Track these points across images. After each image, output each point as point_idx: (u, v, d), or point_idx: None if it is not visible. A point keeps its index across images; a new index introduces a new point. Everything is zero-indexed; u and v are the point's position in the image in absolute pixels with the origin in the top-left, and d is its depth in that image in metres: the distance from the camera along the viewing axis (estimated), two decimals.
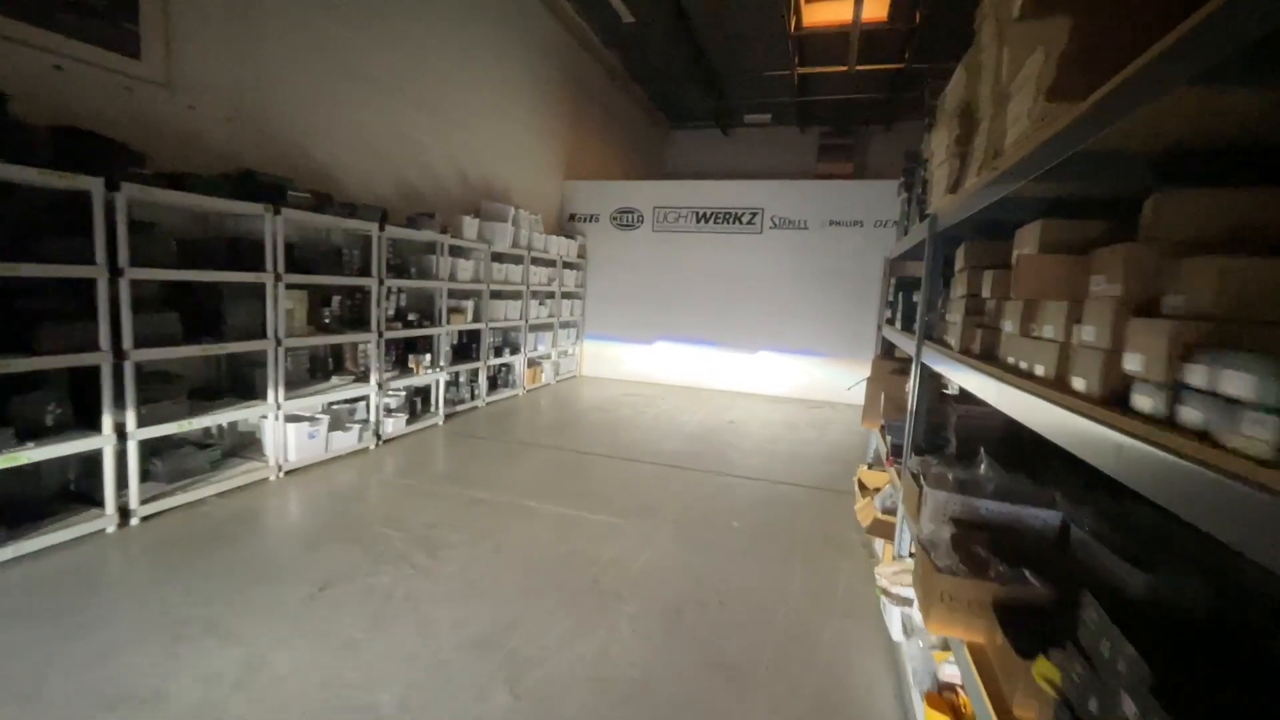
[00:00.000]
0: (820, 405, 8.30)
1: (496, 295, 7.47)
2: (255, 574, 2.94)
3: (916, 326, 2.77)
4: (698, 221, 9.05)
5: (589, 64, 10.11)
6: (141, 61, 3.80)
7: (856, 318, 8.40)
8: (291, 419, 4.40)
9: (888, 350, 4.69)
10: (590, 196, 9.60)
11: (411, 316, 5.83)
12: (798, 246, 8.62)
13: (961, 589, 1.52)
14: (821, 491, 4.67)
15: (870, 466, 4.47)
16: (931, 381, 2.74)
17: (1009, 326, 1.59)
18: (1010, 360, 1.57)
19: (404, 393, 5.75)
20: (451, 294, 6.70)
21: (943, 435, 2.88)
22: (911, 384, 2.76)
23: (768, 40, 8.92)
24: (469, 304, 6.67)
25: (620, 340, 9.61)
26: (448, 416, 6.32)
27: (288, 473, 4.34)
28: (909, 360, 4.02)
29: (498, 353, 7.47)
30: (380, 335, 5.15)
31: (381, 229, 5.06)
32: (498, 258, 7.52)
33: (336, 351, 5.32)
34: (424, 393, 6.21)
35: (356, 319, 5.17)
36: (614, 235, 9.49)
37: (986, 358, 1.87)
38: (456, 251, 6.60)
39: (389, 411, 5.50)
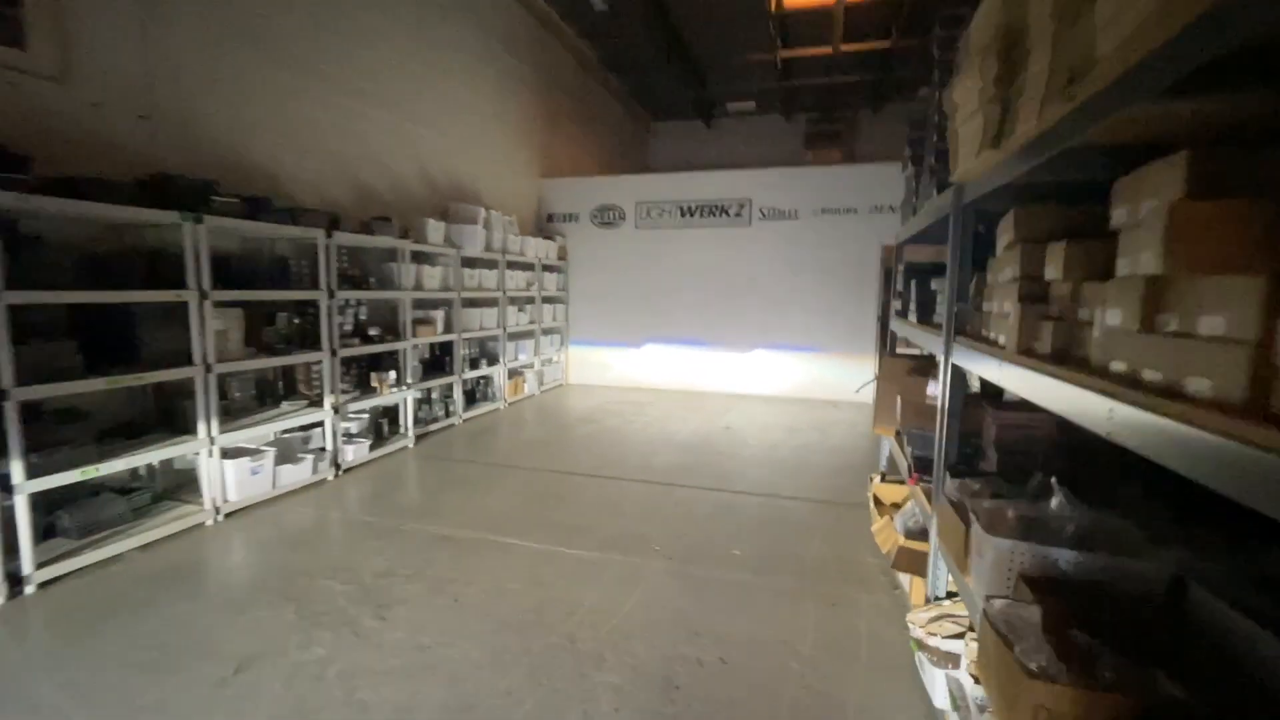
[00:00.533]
0: (821, 404, 7.83)
1: (470, 303, 6.97)
2: (159, 653, 2.43)
3: (943, 319, 2.29)
4: (683, 216, 8.57)
5: (561, 55, 9.62)
6: (26, 51, 3.28)
7: (854, 310, 7.95)
8: (230, 453, 3.89)
9: (897, 345, 4.22)
10: (568, 195, 9.11)
11: (373, 331, 5.32)
12: (789, 237, 8.16)
13: (1070, 704, 1.04)
14: (830, 507, 4.20)
15: (884, 477, 4.00)
16: (962, 384, 2.26)
17: (1113, 319, 1.11)
18: (1119, 367, 1.09)
19: (367, 415, 5.25)
20: (418, 304, 6.20)
21: (973, 443, 2.41)
22: (941, 389, 2.29)
23: (748, 21, 8.45)
24: (439, 314, 6.16)
25: (607, 345, 9.12)
26: (419, 438, 5.81)
27: (228, 515, 3.83)
28: (929, 359, 3.56)
29: (474, 365, 6.97)
30: (334, 353, 4.64)
31: (329, 235, 4.55)
32: (471, 263, 7.02)
33: (288, 374, 4.82)
34: (392, 413, 5.70)
35: (307, 337, 4.66)
36: (595, 234, 9.00)
37: (1060, 359, 1.39)
38: (422, 258, 6.10)
39: (349, 437, 5.00)
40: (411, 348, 5.62)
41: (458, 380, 6.52)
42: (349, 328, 5.11)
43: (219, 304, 3.77)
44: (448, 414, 6.43)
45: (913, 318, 3.17)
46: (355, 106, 5.64)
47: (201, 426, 3.67)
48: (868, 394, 7.70)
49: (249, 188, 4.33)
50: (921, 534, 2.86)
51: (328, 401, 4.59)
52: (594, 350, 9.19)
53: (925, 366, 3.25)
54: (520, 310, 7.90)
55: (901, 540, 2.86)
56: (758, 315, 8.37)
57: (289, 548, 3.47)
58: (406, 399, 5.58)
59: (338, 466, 4.71)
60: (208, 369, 3.65)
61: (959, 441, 2.28)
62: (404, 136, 6.33)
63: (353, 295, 4.96)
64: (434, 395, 6.31)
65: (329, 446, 4.62)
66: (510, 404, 7.59)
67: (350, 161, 5.63)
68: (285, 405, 4.56)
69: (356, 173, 5.72)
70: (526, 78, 8.62)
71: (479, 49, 7.52)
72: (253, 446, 4.12)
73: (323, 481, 4.56)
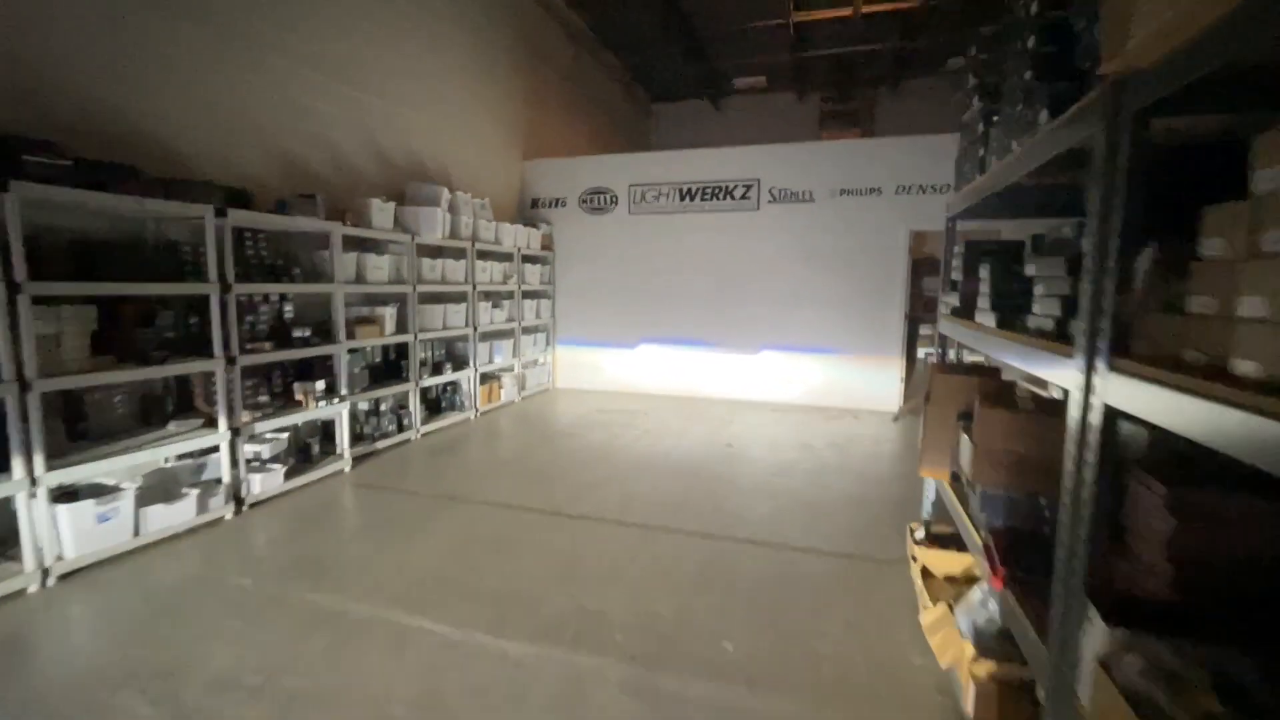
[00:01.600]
0: (839, 414, 6.82)
1: (432, 298, 6.05)
2: None
3: (1081, 329, 1.31)
4: (681, 199, 7.57)
5: (548, 25, 8.65)
6: None
7: (877, 306, 6.92)
8: (65, 495, 2.99)
9: (945, 351, 3.22)
10: (554, 177, 8.14)
11: (300, 332, 4.40)
12: (802, 223, 7.13)
13: None
14: (856, 564, 3.21)
15: (929, 529, 3.02)
16: (1114, 441, 1.28)
17: None
18: None
19: (286, 436, 4.33)
20: (365, 299, 5.30)
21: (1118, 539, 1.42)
22: (1074, 447, 1.30)
23: None
24: (387, 311, 5.23)
25: (598, 345, 8.16)
26: (360, 459, 4.90)
27: (63, 577, 2.93)
28: (1005, 380, 2.56)
29: (437, 369, 6.04)
30: (231, 361, 3.73)
31: (221, 215, 3.62)
32: (436, 252, 6.10)
33: (184, 387, 3.91)
34: (330, 430, 4.79)
35: (201, 340, 3.74)
36: (584, 221, 8.03)
37: None
38: (366, 245, 5.18)
39: (260, 463, 4.08)
40: (347, 352, 4.69)
41: (414, 388, 5.59)
42: (264, 328, 4.20)
43: (43, 300, 2.86)
44: (401, 428, 5.51)
45: (985, 318, 2.17)
46: (294, 71, 4.71)
47: (18, 463, 2.76)
48: (884, 393, 6.65)
49: (130, 156, 3.42)
50: (1005, 645, 1.89)
51: (223, 421, 3.67)
52: (584, 351, 8.24)
53: (1007, 392, 2.26)
54: (496, 307, 6.96)
55: (973, 660, 1.88)
56: (766, 312, 7.36)
57: (115, 630, 2.55)
58: (342, 413, 4.66)
59: (239, 502, 3.80)
60: (22, 386, 2.74)
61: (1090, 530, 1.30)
62: (356, 109, 5.40)
63: (260, 289, 4.03)
64: (383, 407, 5.39)
65: (225, 477, 3.71)
66: (483, 413, 6.66)
67: (282, 135, 4.71)
68: (173, 426, 3.66)
69: (291, 147, 4.79)
70: (507, 48, 7.65)
71: (448, 12, 6.56)
72: (112, 483, 3.22)
73: (217, 522, 3.65)
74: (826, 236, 7.03)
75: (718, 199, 7.43)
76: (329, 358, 4.65)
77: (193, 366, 3.55)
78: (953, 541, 2.90)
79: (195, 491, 3.52)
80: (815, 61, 10.10)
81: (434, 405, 6.32)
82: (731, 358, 7.58)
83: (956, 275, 2.70)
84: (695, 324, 7.67)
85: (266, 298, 4.32)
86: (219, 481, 3.71)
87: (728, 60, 10.18)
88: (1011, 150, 2.00)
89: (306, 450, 4.58)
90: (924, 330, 12.18)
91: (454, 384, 6.44)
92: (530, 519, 3.77)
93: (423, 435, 5.71)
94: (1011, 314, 1.98)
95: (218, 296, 3.62)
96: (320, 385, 4.44)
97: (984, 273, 2.24)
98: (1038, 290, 1.81)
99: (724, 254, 7.46)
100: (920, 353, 12.00)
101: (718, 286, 7.53)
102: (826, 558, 3.28)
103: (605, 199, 7.89)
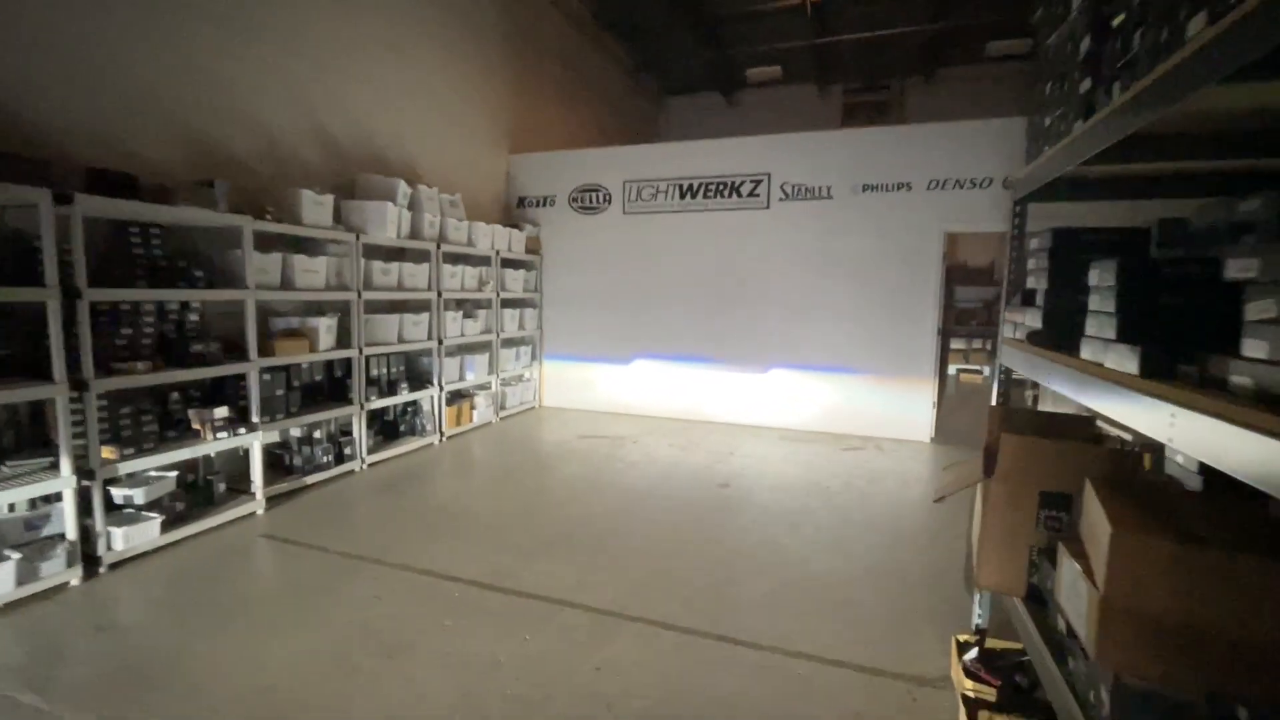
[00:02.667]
0: (859, 443, 5.87)
1: (391, 307, 5.27)
2: None
3: None
4: (681, 197, 6.71)
5: (542, 7, 7.88)
6: None
7: (906, 318, 5.97)
8: None
9: (1007, 390, 2.30)
10: (542, 173, 7.34)
11: (200, 347, 3.63)
12: (819, 223, 6.22)
13: None
14: (882, 686, 2.29)
15: (983, 641, 2.10)
16: None
17: None
18: None
19: (174, 475, 3.54)
20: (307, 308, 4.54)
21: None
22: None
23: None
24: (323, 323, 4.44)
25: (589, 359, 7.31)
26: (281, 498, 4.10)
27: None
28: (1117, 438, 1.64)
29: (391, 389, 5.24)
30: (81, 386, 2.95)
31: (64, 200, 2.85)
32: (398, 254, 5.32)
33: (38, 417, 3.15)
34: (243, 466, 4.01)
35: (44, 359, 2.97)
36: (575, 222, 7.21)
37: None
38: (303, 245, 4.41)
39: (135, 511, 3.30)
40: (260, 372, 3.90)
41: (359, 412, 4.79)
42: (148, 343, 3.43)
43: None
44: (341, 459, 4.71)
45: (1111, 355, 1.26)
46: (204, 39, 3.97)
47: None
48: (913, 420, 5.57)
49: None
50: None
51: (66, 462, 2.89)
52: (573, 366, 7.39)
53: (1146, 479, 1.35)
54: (469, 317, 6.15)
55: None
56: (776, 325, 6.45)
57: None
58: (253, 445, 3.87)
59: (91, 563, 3.02)
60: None
61: None
62: (297, 86, 4.65)
63: (131, 296, 3.25)
64: (317, 435, 4.59)
65: (70, 532, 2.93)
66: (450, 437, 5.84)
67: (189, 112, 3.96)
68: (7, 468, 2.89)
69: (203, 128, 4.04)
70: (491, 28, 6.90)
71: None
72: None
73: (58, 591, 2.86)
74: (847, 239, 6.11)
75: (722, 196, 6.55)
76: (241, 378, 3.87)
77: (19, 394, 2.77)
78: (1021, 671, 1.99)
79: (16, 556, 2.73)
80: (837, 49, 9.19)
81: (391, 430, 5.52)
82: (736, 376, 6.67)
83: (1036, 282, 1.78)
84: (696, 338, 6.78)
85: (161, 307, 3.58)
86: (61, 538, 2.93)
87: (740, 47, 9.31)
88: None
89: (208, 490, 3.79)
90: (954, 345, 11.15)
91: (413, 405, 5.63)
92: (453, 597, 2.91)
93: (369, 466, 4.91)
94: (1174, 354, 1.07)
95: (58, 304, 2.83)
96: (221, 412, 3.65)
97: (1099, 278, 1.33)
98: (1256, 313, 0.91)
99: (729, 259, 6.58)
100: (951, 369, 10.97)
101: (721, 296, 6.64)
102: (842, 672, 2.36)
103: (598, 197, 7.06)
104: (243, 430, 3.76)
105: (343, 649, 2.47)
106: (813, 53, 9.27)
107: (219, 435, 3.62)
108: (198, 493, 3.76)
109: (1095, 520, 1.17)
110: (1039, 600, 1.63)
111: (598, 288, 7.16)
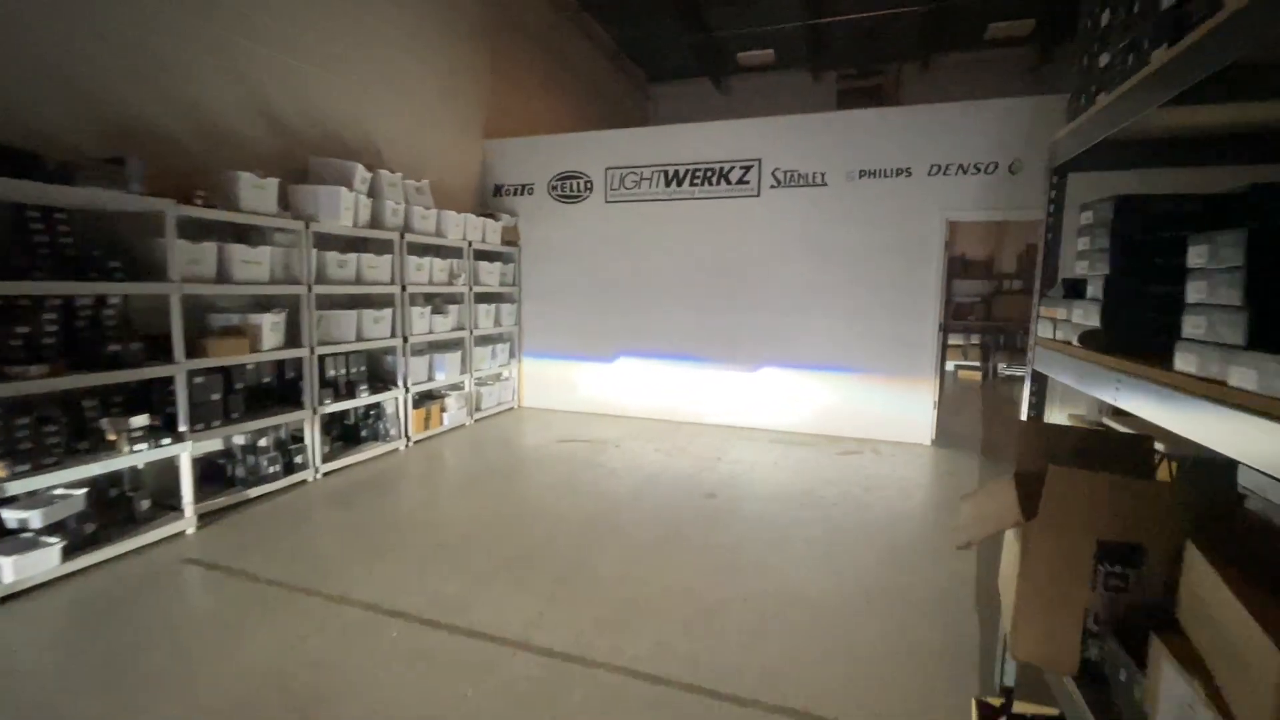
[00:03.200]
0: (855, 447, 5.50)
1: (352, 302, 4.86)
2: None
3: None
4: (667, 184, 6.31)
5: None
6: None
7: (905, 313, 5.60)
8: None
9: (1039, 400, 1.91)
10: (520, 160, 6.92)
11: (117, 348, 3.21)
12: (813, 211, 5.83)
13: None
14: None
15: (1009, 704, 1.73)
16: None
17: None
18: None
19: (83, 492, 3.12)
20: (255, 303, 4.13)
21: None
22: None
23: None
24: (267, 319, 4.02)
25: (571, 358, 6.91)
26: (217, 514, 3.70)
27: None
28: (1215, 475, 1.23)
29: (349, 390, 4.83)
30: None
31: None
32: (359, 244, 4.91)
33: None
34: (170, 482, 3.59)
35: None
36: (554, 211, 6.80)
37: None
38: (241, 234, 4.00)
39: (32, 536, 2.89)
40: (188, 374, 3.49)
41: (312, 417, 4.39)
42: (51, 343, 3.01)
43: None
44: (292, 468, 4.30)
45: (1220, 367, 0.88)
46: (129, 5, 3.54)
47: None
48: (913, 421, 5.12)
49: None
50: None
51: None
52: (554, 365, 6.99)
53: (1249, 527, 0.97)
54: (438, 313, 5.74)
55: None
56: (767, 321, 6.07)
57: None
58: (182, 456, 3.46)
59: None
60: None
61: None
62: (233, 57, 4.22)
63: (23, 290, 2.82)
64: (264, 443, 4.18)
65: None
66: (417, 442, 5.44)
67: (111, 87, 3.53)
68: None
69: (126, 105, 3.61)
70: (464, 6, 6.45)
71: None
72: None
73: None
74: (842, 228, 5.73)
75: (710, 183, 6.15)
76: (169, 380, 3.46)
77: None
78: None
79: None
80: (831, 31, 8.78)
81: (352, 434, 5.11)
82: (725, 375, 6.29)
83: (1089, 269, 1.40)
84: (682, 335, 6.39)
85: (70, 302, 3.16)
86: None
87: (730, 28, 8.88)
88: None
89: (129, 508, 3.38)
90: (953, 340, 10.80)
91: (376, 408, 5.22)
92: (391, 637, 2.52)
93: (324, 475, 4.50)
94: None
95: None
96: (139, 420, 3.23)
97: (1209, 257, 0.95)
98: None
99: (718, 250, 6.18)
100: (949, 365, 10.63)
101: (709, 290, 6.25)
102: None
103: (578, 185, 6.65)
104: (166, 440, 3.35)
105: (251, 707, 2.07)
106: (806, 35, 8.86)
107: (136, 447, 3.20)
108: (116, 512, 3.34)
109: (1226, 617, 0.79)
110: (1098, 679, 1.25)
111: (579, 281, 6.76)
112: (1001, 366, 10.03)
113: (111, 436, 3.22)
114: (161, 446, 3.32)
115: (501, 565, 3.15)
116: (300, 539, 3.49)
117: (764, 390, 6.16)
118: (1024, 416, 1.82)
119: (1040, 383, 1.76)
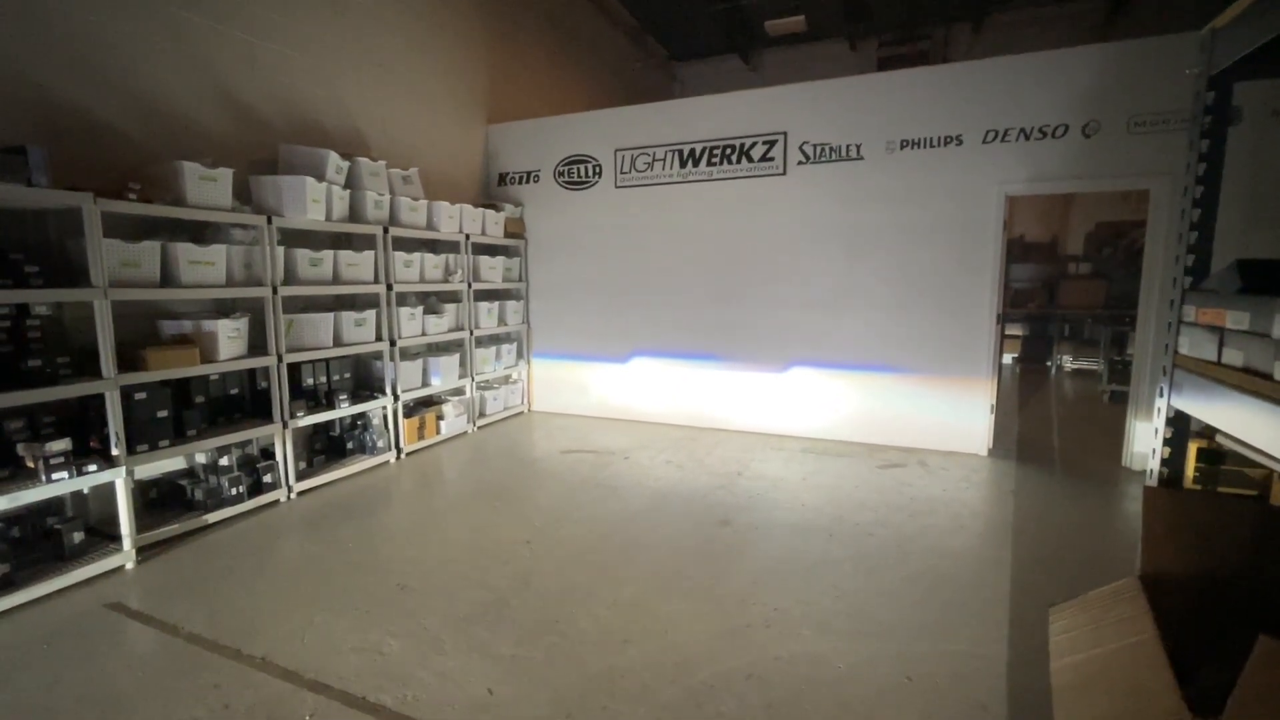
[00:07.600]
0: (897, 460, 4.80)
1: (335, 303, 4.45)
2: None
3: None
4: (682, 165, 5.68)
5: None
6: None
7: (955, 304, 4.85)
8: None
9: (1172, 467, 1.25)
10: (525, 145, 6.41)
11: (37, 363, 2.84)
12: (847, 190, 5.12)
13: None
14: None
15: None
16: None
17: None
18: None
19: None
20: (216, 307, 3.75)
21: None
22: None
23: None
24: (222, 326, 3.62)
25: (581, 358, 6.39)
26: (165, 544, 3.32)
27: None
28: None
29: (327, 401, 4.42)
30: None
31: None
32: (339, 240, 4.50)
33: None
34: (109, 509, 3.22)
35: None
36: (562, 199, 6.27)
37: None
38: (195, 232, 3.60)
39: None
40: (118, 391, 3.09)
41: (283, 431, 3.98)
42: None
43: None
44: (259, 488, 3.91)
45: None
46: None
47: None
48: (966, 429, 4.27)
49: None
50: None
51: None
52: (565, 366, 6.49)
53: None
54: (433, 313, 5.29)
55: None
56: (797, 316, 5.39)
57: None
58: (117, 482, 3.07)
59: None
60: None
61: None
62: (188, 36, 3.81)
63: None
64: (227, 461, 3.79)
65: None
66: (410, 454, 5.01)
67: (34, 73, 3.16)
68: None
69: (51, 90, 3.24)
70: None
71: None
72: None
73: None
74: (882, 208, 5.00)
75: (730, 162, 5.50)
76: (99, 398, 3.07)
77: None
78: None
79: None
80: None
81: (338, 447, 4.72)
82: (750, 376, 5.65)
83: None
84: (701, 332, 5.78)
85: None
86: None
87: None
88: None
89: (57, 541, 3.01)
90: (1009, 330, 9.81)
91: (362, 418, 4.80)
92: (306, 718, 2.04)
93: (299, 495, 4.10)
94: None
95: None
96: (59, 445, 2.85)
97: None
98: None
99: (739, 237, 5.54)
100: (1006, 358, 9.66)
101: (731, 281, 5.61)
102: None
103: (586, 170, 6.09)
104: (93, 467, 2.96)
105: None
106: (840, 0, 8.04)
107: (54, 475, 2.82)
108: (42, 548, 2.98)
109: None
110: None
111: (589, 275, 6.21)
112: (1065, 359, 9.03)
113: (30, 463, 2.85)
114: (86, 474, 2.93)
115: (462, 618, 2.64)
116: (243, 577, 3.06)
117: (794, 393, 5.49)
118: (1151, 479, 1.17)
119: (1181, 426, 1.11)
